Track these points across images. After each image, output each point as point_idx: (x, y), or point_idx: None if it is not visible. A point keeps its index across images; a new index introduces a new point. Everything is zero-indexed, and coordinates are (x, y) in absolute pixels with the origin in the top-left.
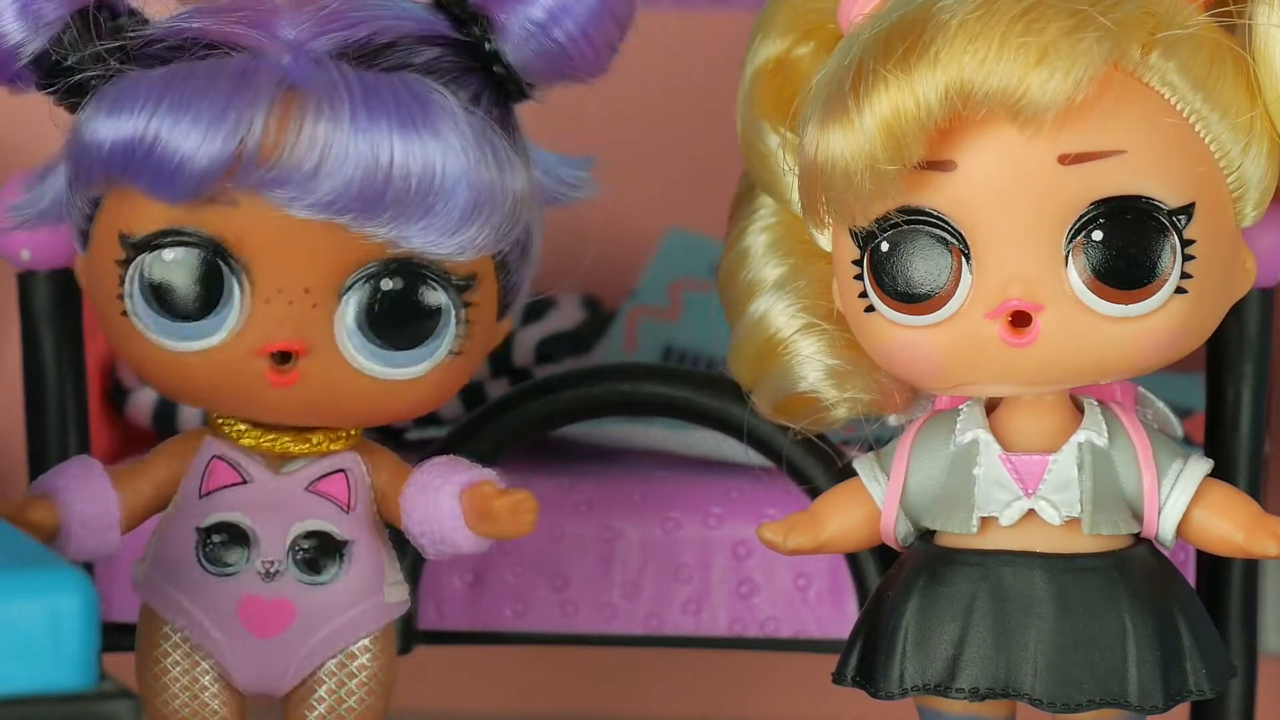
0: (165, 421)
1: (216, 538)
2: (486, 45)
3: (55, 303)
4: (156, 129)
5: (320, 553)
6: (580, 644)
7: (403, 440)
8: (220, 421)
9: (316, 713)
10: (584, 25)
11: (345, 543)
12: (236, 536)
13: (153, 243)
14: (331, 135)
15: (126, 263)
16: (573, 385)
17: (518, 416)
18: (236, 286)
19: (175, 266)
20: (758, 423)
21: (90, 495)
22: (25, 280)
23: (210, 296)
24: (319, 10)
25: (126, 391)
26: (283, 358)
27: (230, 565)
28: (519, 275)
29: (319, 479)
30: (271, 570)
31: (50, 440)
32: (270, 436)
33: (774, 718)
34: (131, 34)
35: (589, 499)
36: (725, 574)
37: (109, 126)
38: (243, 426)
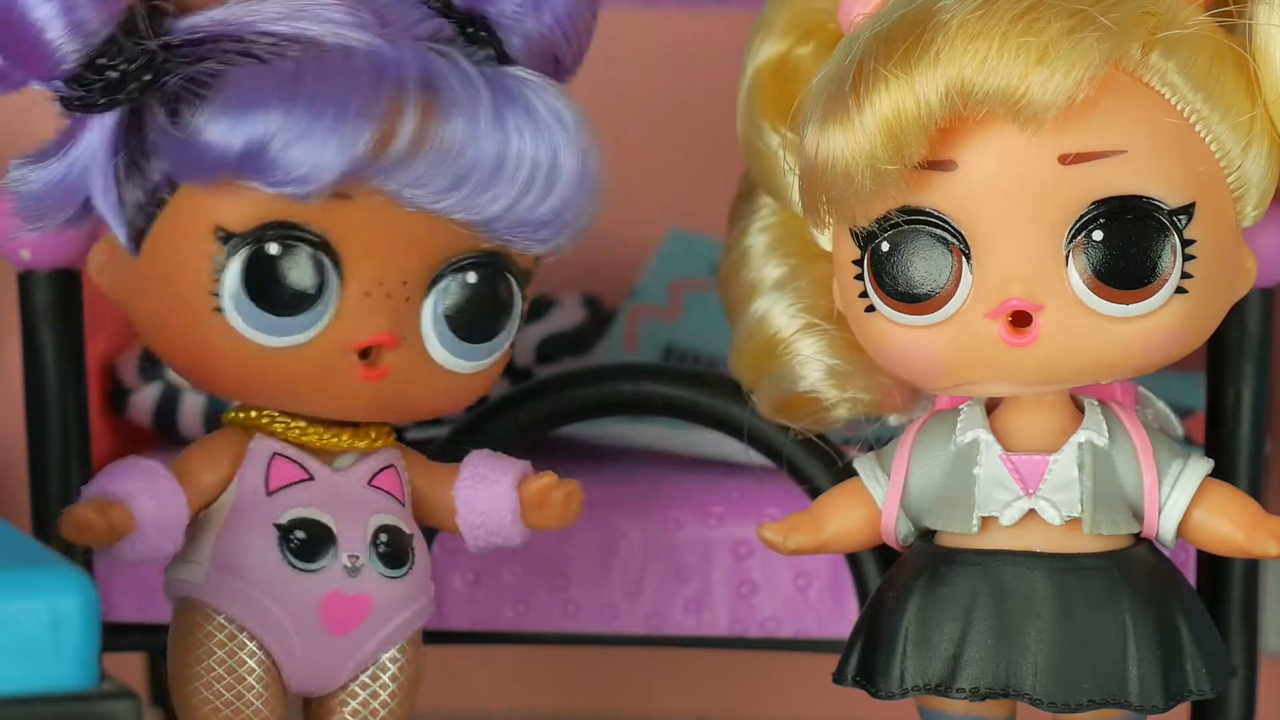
0: (166, 422)
1: (299, 534)
2: (493, 44)
3: (55, 302)
4: (296, 127)
5: (396, 546)
6: (581, 644)
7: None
8: (266, 419)
9: (349, 707)
10: (565, 10)
11: (411, 536)
12: (318, 532)
13: (256, 237)
14: (469, 129)
15: (223, 256)
16: (573, 385)
17: (518, 416)
18: (336, 280)
19: (280, 261)
20: (758, 422)
21: (162, 497)
22: (25, 280)
23: (313, 291)
24: (368, 7)
25: (127, 392)
26: (369, 351)
27: (319, 562)
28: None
29: (375, 474)
30: (357, 565)
31: (50, 441)
32: (331, 432)
33: (774, 718)
34: (192, 32)
35: (590, 499)
36: (726, 574)
37: (238, 126)
38: (303, 423)
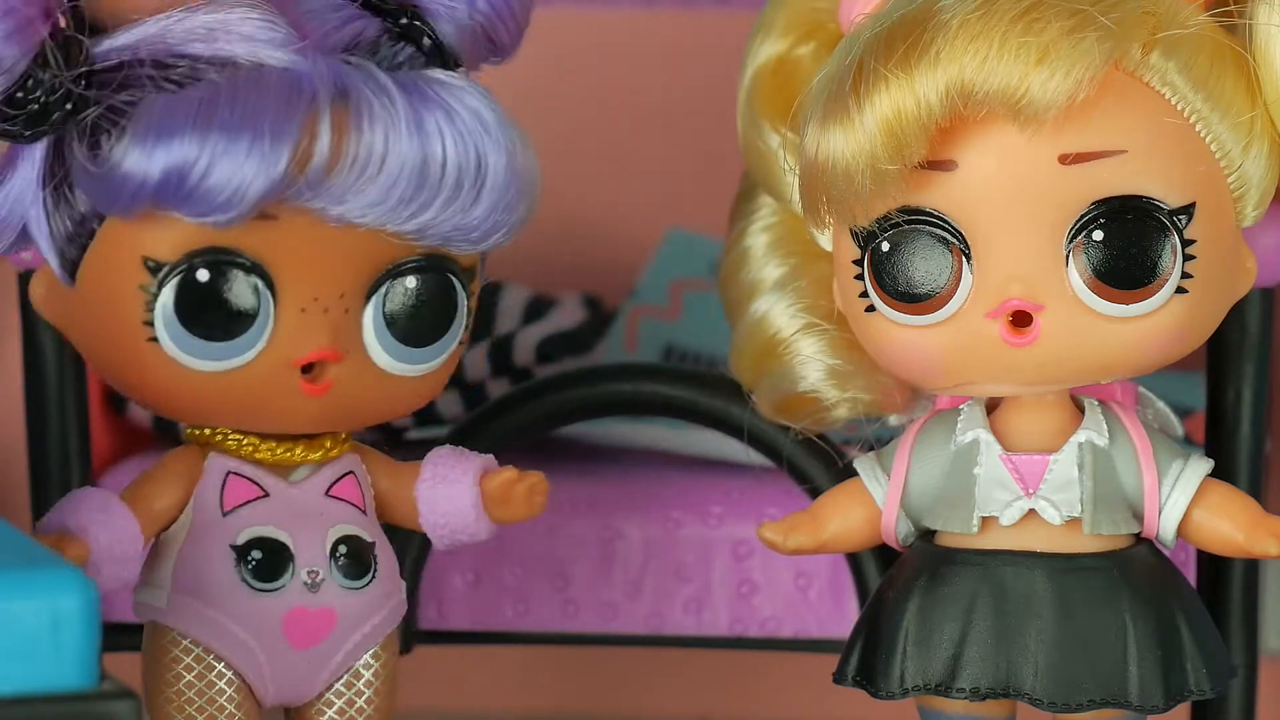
0: (166, 422)
1: (255, 554)
2: (428, 33)
3: None
4: (212, 154)
5: (357, 557)
6: (581, 644)
7: (403, 440)
8: (219, 436)
9: (328, 716)
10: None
11: (372, 544)
12: (274, 551)
13: (185, 265)
14: (389, 140)
15: (154, 287)
16: (574, 385)
17: (519, 416)
18: (271, 299)
19: (211, 287)
20: (758, 422)
21: (114, 528)
22: (26, 280)
23: (247, 313)
24: (285, 19)
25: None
26: (314, 366)
27: (277, 581)
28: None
29: (333, 483)
30: (317, 580)
31: (50, 440)
32: (284, 447)
33: (775, 718)
34: (106, 65)
35: (590, 499)
36: (726, 574)
37: (154, 155)
38: (256, 439)
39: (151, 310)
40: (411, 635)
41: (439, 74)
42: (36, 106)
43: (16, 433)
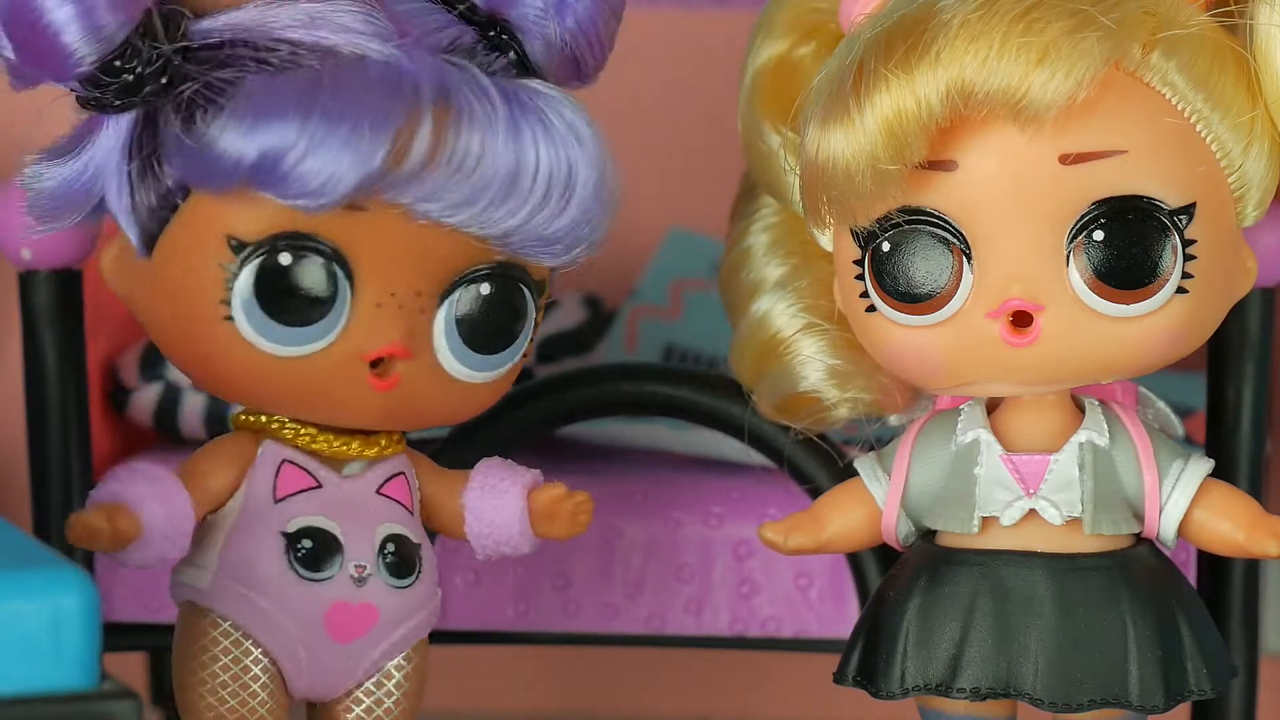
0: (167, 422)
1: (306, 543)
2: (514, 47)
3: (56, 302)
4: (310, 140)
5: (404, 556)
6: (582, 643)
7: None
8: (277, 425)
9: (355, 714)
10: (588, 14)
11: (418, 545)
12: (324, 541)
13: (268, 246)
14: (485, 143)
15: (235, 266)
16: (574, 385)
17: (520, 416)
18: (349, 290)
19: (292, 271)
20: (759, 422)
21: (169, 504)
22: (26, 280)
23: (324, 301)
24: (379, 9)
25: (128, 391)
26: (381, 361)
27: (325, 571)
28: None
29: (385, 482)
30: (364, 575)
31: (51, 440)
32: (341, 440)
33: (775, 718)
34: (208, 39)
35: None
36: (726, 574)
37: (252, 135)
38: (314, 430)
39: (230, 289)
40: None
41: (537, 84)
42: (131, 77)
43: (17, 432)
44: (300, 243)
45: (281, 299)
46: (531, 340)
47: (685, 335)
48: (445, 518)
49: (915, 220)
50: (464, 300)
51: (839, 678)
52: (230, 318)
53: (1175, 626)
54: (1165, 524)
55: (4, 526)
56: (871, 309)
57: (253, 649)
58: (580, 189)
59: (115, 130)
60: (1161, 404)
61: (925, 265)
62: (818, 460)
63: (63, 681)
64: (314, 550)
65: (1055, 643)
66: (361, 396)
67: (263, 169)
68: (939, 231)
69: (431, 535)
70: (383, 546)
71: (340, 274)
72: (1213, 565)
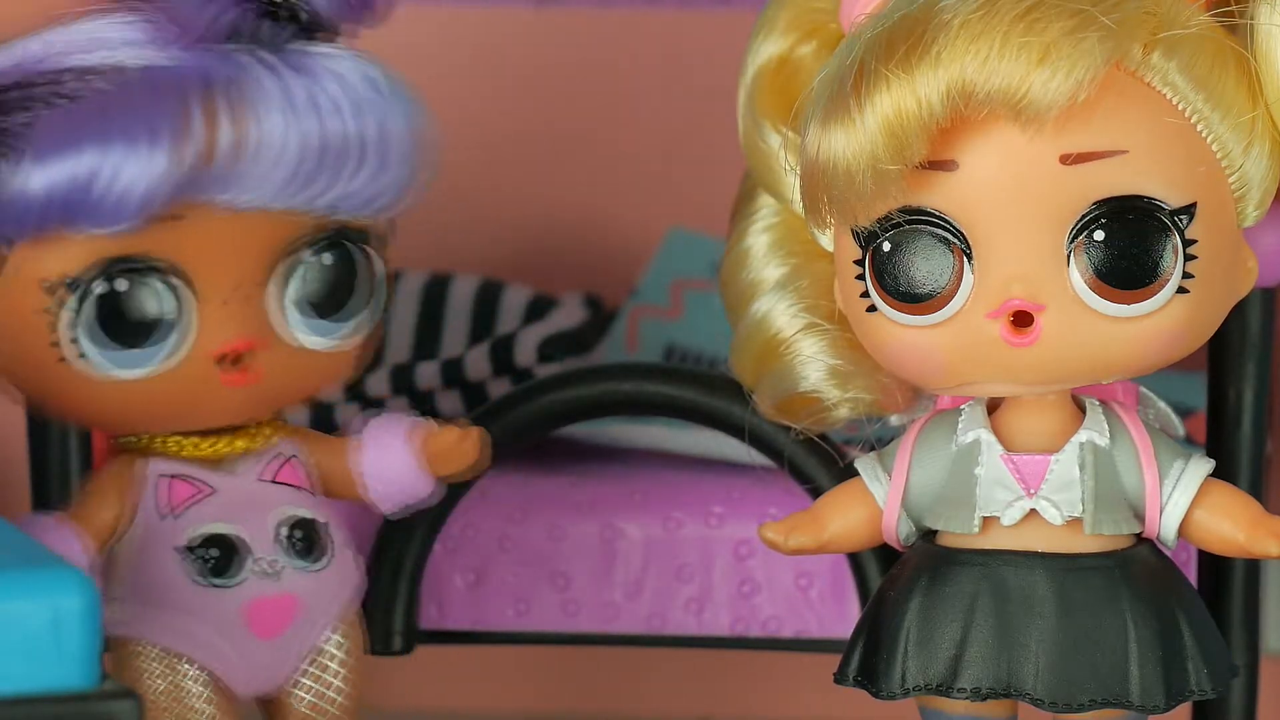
0: None
1: (211, 551)
2: (299, 6)
3: None
4: (92, 164)
5: (309, 538)
6: (582, 644)
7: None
8: (149, 441)
9: (306, 702)
10: None
11: (325, 524)
12: (228, 545)
13: (102, 276)
14: (285, 124)
15: (70, 304)
16: (574, 385)
17: (520, 416)
18: (190, 298)
19: (126, 296)
20: (759, 422)
21: (64, 550)
22: None
23: (164, 316)
24: (154, 14)
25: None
26: (231, 357)
27: (236, 575)
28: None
29: (274, 468)
30: (275, 568)
31: (51, 440)
32: (222, 441)
33: (775, 718)
34: None
35: (591, 498)
36: (727, 573)
37: (51, 169)
38: (182, 439)
39: (57, 329)
40: (412, 635)
41: (321, 47)
42: None
43: (17, 432)
44: (133, 264)
45: (120, 326)
46: (388, 297)
47: (686, 335)
48: (340, 484)
49: (916, 220)
50: (298, 272)
51: (840, 678)
52: (64, 360)
53: (1176, 626)
54: (1166, 524)
55: (4, 526)
56: (872, 309)
57: (182, 665)
58: (394, 142)
59: None
60: (1162, 404)
61: (926, 265)
62: (818, 460)
63: (63, 681)
64: (220, 558)
65: (1056, 643)
66: (217, 397)
67: (55, 203)
68: (939, 231)
69: (429, 536)
70: (288, 533)
71: (181, 284)
72: (1213, 565)
